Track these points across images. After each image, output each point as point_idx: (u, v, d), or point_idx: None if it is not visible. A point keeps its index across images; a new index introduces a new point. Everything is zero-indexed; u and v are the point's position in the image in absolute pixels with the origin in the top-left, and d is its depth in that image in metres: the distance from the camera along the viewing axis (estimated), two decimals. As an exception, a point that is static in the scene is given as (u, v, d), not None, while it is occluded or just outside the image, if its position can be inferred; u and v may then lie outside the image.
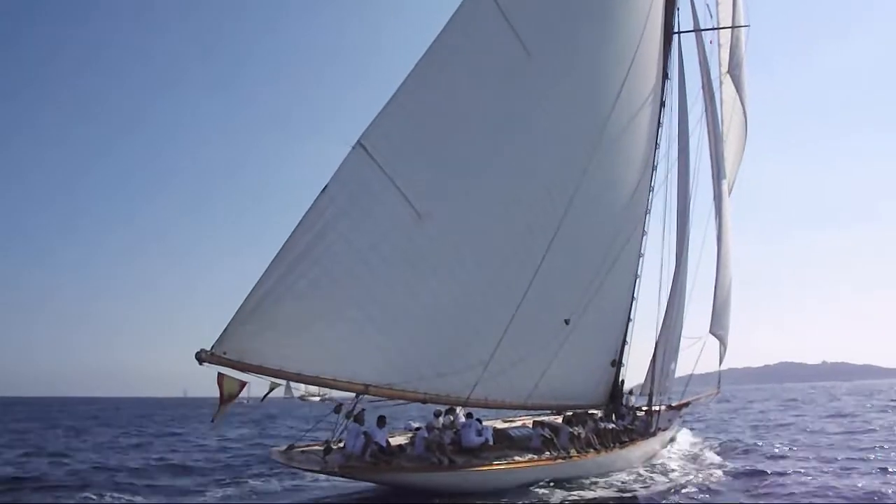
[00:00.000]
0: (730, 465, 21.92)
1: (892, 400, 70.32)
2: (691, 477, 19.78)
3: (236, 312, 14.73)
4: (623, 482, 19.17)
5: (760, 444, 28.67)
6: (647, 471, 21.33)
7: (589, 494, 17.28)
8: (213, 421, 16.28)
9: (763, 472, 20.13)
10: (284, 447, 17.87)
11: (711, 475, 20.01)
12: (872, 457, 23.80)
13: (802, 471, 20.23)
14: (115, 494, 17.91)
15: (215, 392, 15.34)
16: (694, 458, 24.42)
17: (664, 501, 16.51)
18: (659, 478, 19.93)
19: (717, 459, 23.65)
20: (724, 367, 30.61)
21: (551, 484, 17.62)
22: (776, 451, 26.40)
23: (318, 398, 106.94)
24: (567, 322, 21.17)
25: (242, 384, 15.25)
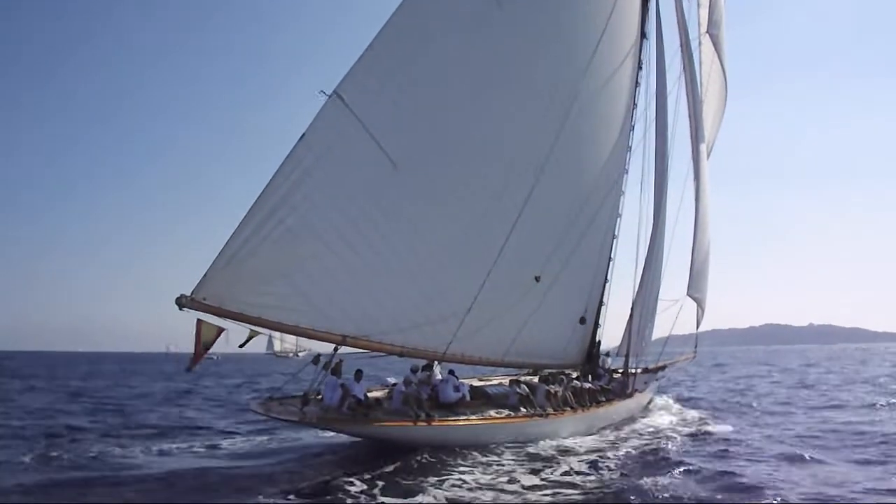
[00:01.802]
0: (700, 429, 21.88)
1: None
2: (662, 440, 19.73)
3: (215, 259, 14.66)
4: (597, 441, 19.15)
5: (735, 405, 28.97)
6: (621, 431, 21.39)
7: (562, 452, 17.26)
8: (188, 370, 16.25)
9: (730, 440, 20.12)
10: (263, 399, 17.78)
11: (684, 439, 19.97)
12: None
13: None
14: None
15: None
16: (668, 421, 24.44)
17: (634, 463, 16.47)
18: (633, 439, 19.88)
19: (691, 421, 23.67)
20: (709, 328, 30.81)
21: (527, 442, 17.74)
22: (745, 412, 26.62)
23: (293, 355, 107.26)
24: (538, 279, 21.10)
25: (220, 330, 15.16)
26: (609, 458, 16.60)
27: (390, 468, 14.36)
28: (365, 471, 13.93)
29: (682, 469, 14.75)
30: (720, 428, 21.56)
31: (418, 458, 15.15)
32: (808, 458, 16.28)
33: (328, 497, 12.33)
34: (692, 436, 20.13)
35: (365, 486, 12.82)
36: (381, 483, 13.11)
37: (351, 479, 13.22)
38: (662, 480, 13.65)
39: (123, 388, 44.81)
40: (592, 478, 14.15)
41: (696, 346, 31.72)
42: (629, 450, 17.85)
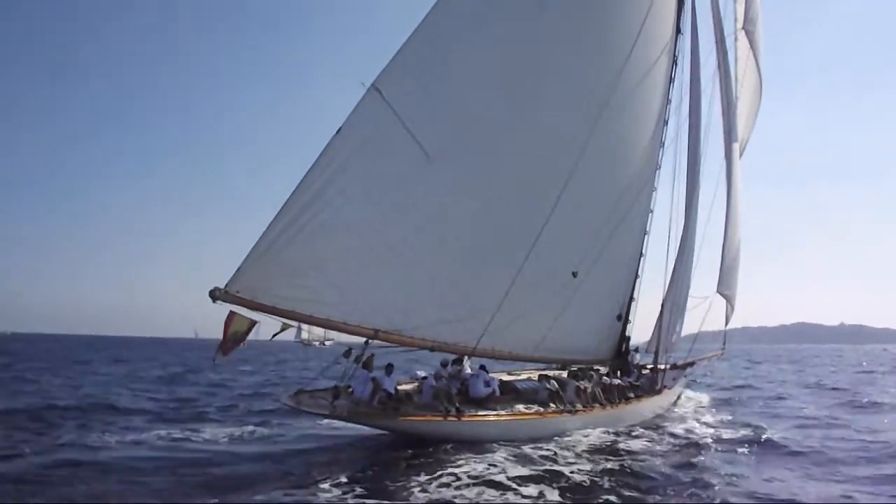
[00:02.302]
0: (730, 426, 21.78)
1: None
2: (693, 437, 19.66)
3: (250, 252, 14.80)
4: (626, 439, 19.07)
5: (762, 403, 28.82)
6: (650, 429, 21.30)
7: (591, 449, 17.15)
8: (214, 361, 16.23)
9: (761, 435, 19.99)
10: (294, 391, 17.89)
11: (712, 436, 19.91)
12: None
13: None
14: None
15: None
16: (696, 419, 24.35)
17: (665, 460, 16.42)
18: (662, 436, 19.72)
19: (719, 420, 23.52)
20: (739, 325, 30.71)
21: (555, 437, 17.66)
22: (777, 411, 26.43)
23: (319, 343, 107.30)
24: (575, 275, 21.13)
25: (253, 323, 15.29)
26: (635, 455, 16.55)
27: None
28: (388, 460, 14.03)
29: (706, 468, 14.80)
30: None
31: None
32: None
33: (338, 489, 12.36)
34: (721, 438, 19.98)
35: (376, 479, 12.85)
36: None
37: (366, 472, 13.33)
38: (684, 478, 13.74)
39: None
40: (615, 476, 13.98)
41: (724, 343, 31.59)
42: (656, 447, 17.76)
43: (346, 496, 11.70)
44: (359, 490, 12.08)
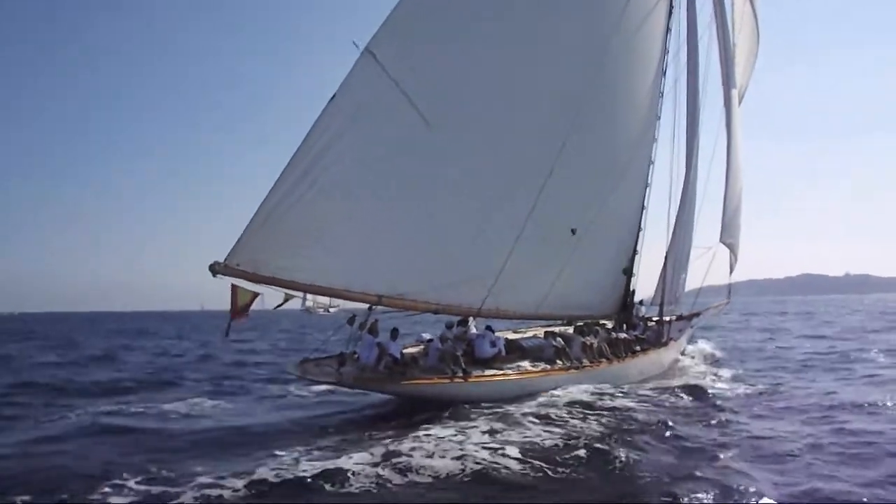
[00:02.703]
0: (742, 378, 21.84)
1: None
2: (701, 386, 19.72)
3: (249, 223, 14.61)
4: (636, 392, 19.07)
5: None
6: (658, 379, 21.36)
7: (600, 403, 17.14)
8: (227, 334, 15.99)
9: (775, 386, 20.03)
10: (299, 360, 17.87)
11: (721, 387, 19.96)
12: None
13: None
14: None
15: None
16: (705, 369, 24.42)
17: (672, 412, 16.45)
18: (669, 389, 19.63)
19: (728, 372, 23.56)
20: (745, 278, 30.74)
21: (561, 392, 17.62)
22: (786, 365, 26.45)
23: (324, 310, 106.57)
24: (574, 232, 20.98)
25: (255, 295, 15.20)
26: (638, 409, 16.58)
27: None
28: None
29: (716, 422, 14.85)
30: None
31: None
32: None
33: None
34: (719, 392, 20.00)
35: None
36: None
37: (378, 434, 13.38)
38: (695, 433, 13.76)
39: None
40: (619, 433, 13.89)
41: (729, 294, 31.55)
42: (660, 401, 17.79)
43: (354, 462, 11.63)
44: (364, 455, 12.04)
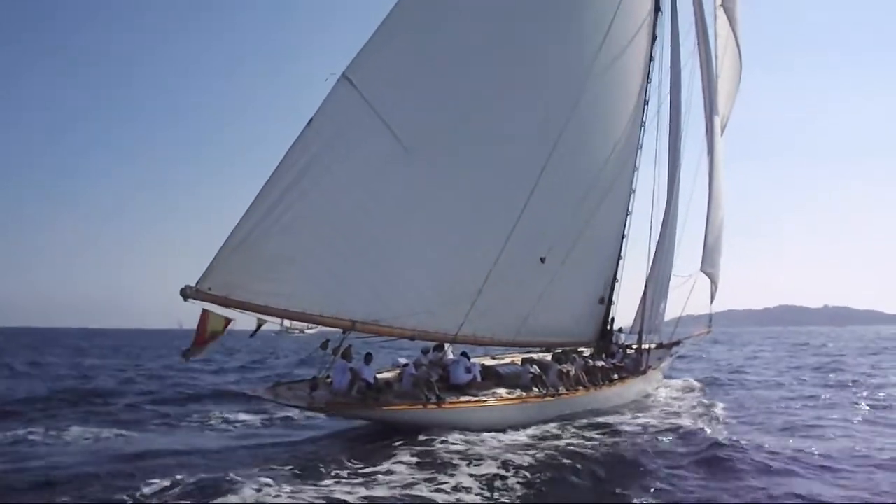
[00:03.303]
0: (718, 406, 21.81)
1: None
2: (678, 417, 19.67)
3: (222, 247, 14.49)
4: (612, 420, 19.00)
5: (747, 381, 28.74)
6: (634, 410, 21.27)
7: (577, 432, 17.11)
8: (185, 357, 15.47)
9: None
10: (271, 384, 17.73)
11: (699, 416, 19.91)
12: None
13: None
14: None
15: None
16: (683, 398, 24.36)
17: (647, 440, 16.39)
18: (645, 418, 19.65)
19: (707, 401, 23.49)
20: (724, 308, 30.71)
21: (539, 423, 17.62)
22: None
23: (299, 332, 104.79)
24: (543, 260, 20.86)
25: (228, 321, 14.97)
26: (615, 438, 16.54)
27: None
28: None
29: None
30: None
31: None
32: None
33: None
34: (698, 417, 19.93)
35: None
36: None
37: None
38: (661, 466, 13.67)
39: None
40: (595, 463, 13.84)
41: (710, 323, 31.53)
42: (636, 430, 17.71)
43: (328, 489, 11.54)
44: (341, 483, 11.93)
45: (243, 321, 15.82)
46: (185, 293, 14.18)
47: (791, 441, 16.40)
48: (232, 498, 10.83)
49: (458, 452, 14.10)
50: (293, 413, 19.25)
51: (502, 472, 12.74)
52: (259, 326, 15.66)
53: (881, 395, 25.41)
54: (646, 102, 24.61)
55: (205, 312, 14.70)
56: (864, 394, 25.57)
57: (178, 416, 20.24)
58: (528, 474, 12.66)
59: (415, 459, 13.43)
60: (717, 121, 27.12)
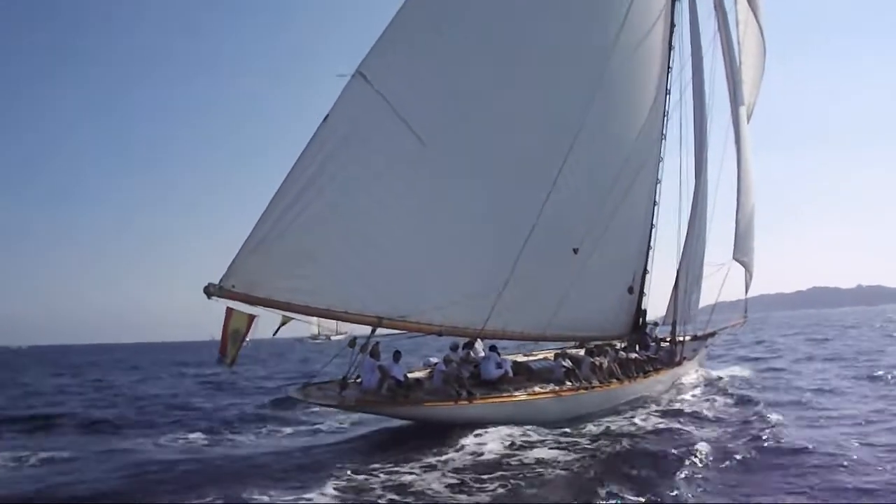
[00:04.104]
0: (754, 398, 21.34)
1: None
2: (710, 408, 19.35)
3: (243, 245, 14.64)
4: (646, 412, 18.79)
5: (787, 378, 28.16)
6: (669, 402, 20.99)
7: (612, 425, 16.95)
8: (228, 363, 15.62)
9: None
10: (301, 384, 17.75)
11: (732, 408, 19.58)
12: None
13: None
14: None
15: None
16: (716, 389, 23.93)
17: (683, 430, 16.15)
18: (681, 408, 19.41)
19: (740, 392, 23.03)
20: (755, 293, 30.10)
21: (573, 417, 17.50)
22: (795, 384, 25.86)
23: (326, 338, 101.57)
24: (576, 251, 20.65)
25: (251, 318, 15.09)
26: (647, 432, 16.27)
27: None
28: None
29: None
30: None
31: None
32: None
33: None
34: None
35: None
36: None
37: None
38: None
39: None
40: (627, 457, 13.66)
41: (745, 311, 31.03)
42: (668, 425, 17.28)
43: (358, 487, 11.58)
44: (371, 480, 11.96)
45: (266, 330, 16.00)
46: (209, 291, 14.31)
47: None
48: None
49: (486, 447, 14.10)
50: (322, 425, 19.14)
51: (537, 467, 12.74)
52: (283, 323, 15.74)
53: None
54: (668, 92, 24.33)
55: (228, 310, 14.82)
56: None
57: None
58: (557, 468, 12.63)
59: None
60: (743, 109, 26.76)
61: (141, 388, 35.86)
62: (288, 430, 18.71)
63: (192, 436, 17.78)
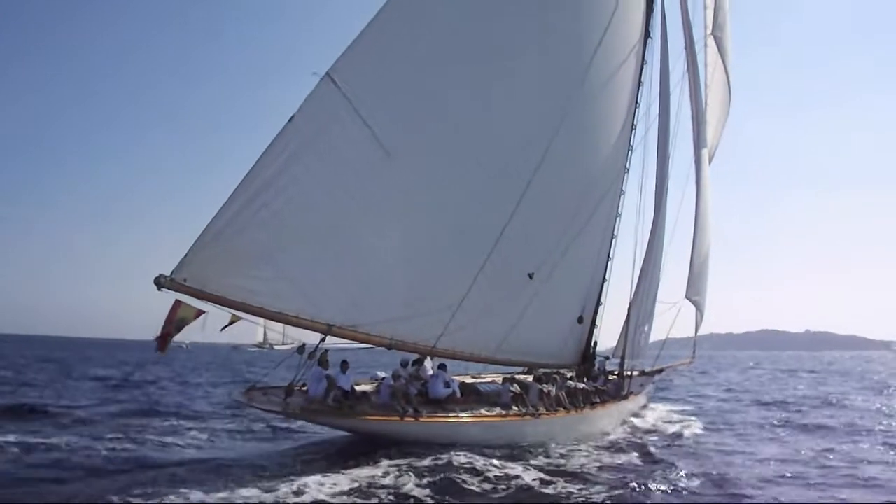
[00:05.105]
0: (700, 436, 21.49)
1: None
2: (655, 445, 19.41)
3: (198, 238, 14.41)
4: (589, 445, 18.75)
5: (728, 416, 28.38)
6: (614, 435, 21.03)
7: (552, 456, 16.88)
8: (158, 350, 15.33)
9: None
10: (246, 388, 17.44)
11: (675, 444, 19.63)
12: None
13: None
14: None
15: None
16: (663, 425, 24.00)
17: (625, 466, 16.13)
18: (623, 443, 19.45)
19: (687, 430, 23.13)
20: (706, 332, 30.37)
21: (517, 442, 17.39)
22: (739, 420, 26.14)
23: (270, 347, 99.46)
24: (531, 276, 20.63)
25: (199, 312, 14.81)
26: (594, 461, 16.28)
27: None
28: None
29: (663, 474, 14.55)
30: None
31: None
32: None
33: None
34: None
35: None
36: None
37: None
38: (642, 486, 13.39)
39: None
40: (570, 485, 13.60)
41: (694, 351, 31.28)
42: (616, 454, 17.43)
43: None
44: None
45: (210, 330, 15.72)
46: (160, 282, 14.07)
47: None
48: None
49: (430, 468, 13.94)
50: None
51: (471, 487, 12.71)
52: (231, 321, 15.40)
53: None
54: (634, 127, 24.52)
55: (177, 302, 14.51)
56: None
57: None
58: (497, 492, 12.58)
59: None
60: (705, 151, 27.05)
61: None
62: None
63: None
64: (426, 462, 14.24)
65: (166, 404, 25.44)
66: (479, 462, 14.55)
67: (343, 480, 12.64)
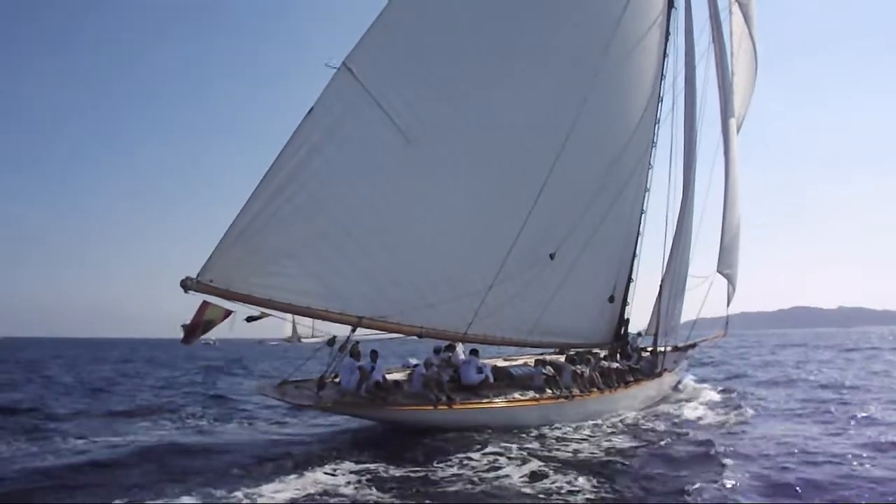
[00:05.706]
0: (731, 411, 21.18)
1: None
2: (692, 421, 19.18)
3: (222, 239, 14.32)
4: (624, 423, 18.57)
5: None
6: (649, 413, 20.84)
7: (587, 435, 16.71)
8: (184, 342, 15.40)
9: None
10: (278, 382, 17.36)
11: (714, 421, 19.34)
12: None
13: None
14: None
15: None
16: (698, 402, 23.72)
17: (662, 443, 15.87)
18: (659, 422, 19.15)
19: (719, 402, 22.85)
20: (738, 310, 30.03)
21: (552, 424, 17.31)
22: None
23: (305, 339, 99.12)
24: (552, 257, 20.31)
25: (228, 312, 14.75)
26: (628, 443, 15.97)
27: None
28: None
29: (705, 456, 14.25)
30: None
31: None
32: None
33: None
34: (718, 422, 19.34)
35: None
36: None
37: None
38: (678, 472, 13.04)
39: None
40: (607, 466, 13.38)
41: (727, 324, 30.95)
42: (651, 435, 17.11)
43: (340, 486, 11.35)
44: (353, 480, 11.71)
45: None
46: (187, 285, 14.01)
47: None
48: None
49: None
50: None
51: (511, 472, 12.42)
52: (261, 315, 15.28)
53: None
54: (660, 99, 24.09)
55: (204, 304, 14.46)
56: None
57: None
58: (538, 475, 12.29)
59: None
60: (733, 121, 26.60)
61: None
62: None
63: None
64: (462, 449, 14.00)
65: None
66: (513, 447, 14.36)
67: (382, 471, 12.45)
